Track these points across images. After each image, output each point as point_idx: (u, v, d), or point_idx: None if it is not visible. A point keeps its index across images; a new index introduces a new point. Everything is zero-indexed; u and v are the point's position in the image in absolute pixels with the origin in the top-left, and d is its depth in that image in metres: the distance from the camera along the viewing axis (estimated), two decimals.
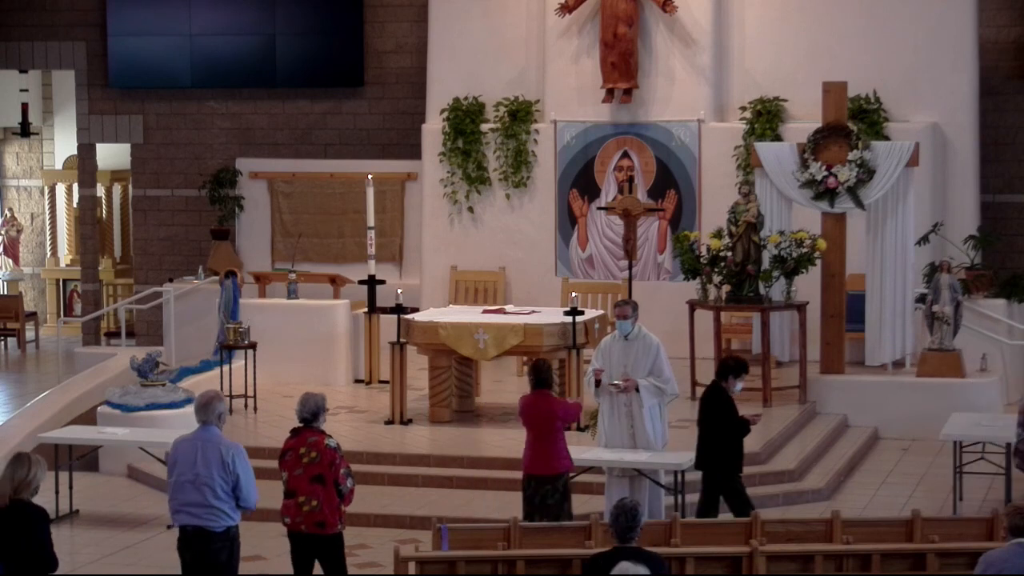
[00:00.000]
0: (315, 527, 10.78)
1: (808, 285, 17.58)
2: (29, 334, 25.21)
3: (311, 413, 10.89)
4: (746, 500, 12.86)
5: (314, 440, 10.80)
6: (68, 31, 23.54)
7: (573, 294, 16.69)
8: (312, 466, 10.75)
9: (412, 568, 10.68)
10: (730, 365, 13.03)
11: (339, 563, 10.92)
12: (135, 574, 12.65)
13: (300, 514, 10.79)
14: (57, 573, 9.42)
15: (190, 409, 15.89)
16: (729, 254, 17.11)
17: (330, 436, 10.92)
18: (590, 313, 16.61)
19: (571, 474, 12.56)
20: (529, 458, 12.42)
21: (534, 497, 12.29)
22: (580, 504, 13.65)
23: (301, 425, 10.93)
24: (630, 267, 18.36)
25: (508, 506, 13.58)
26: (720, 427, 12.86)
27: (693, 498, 13.79)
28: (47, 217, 26.38)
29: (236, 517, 10.30)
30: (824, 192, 17.50)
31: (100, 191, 25.09)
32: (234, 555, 10.33)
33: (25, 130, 25.72)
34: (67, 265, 26.09)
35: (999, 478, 14.44)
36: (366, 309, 18.64)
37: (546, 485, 12.26)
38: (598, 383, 13.06)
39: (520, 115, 20.45)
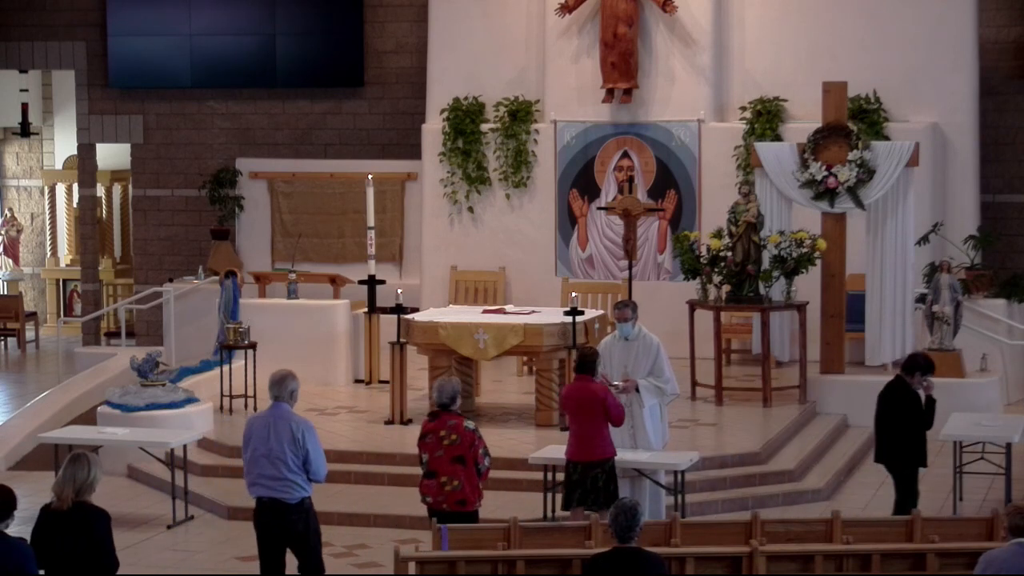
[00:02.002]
0: (456, 505, 11.44)
1: (808, 285, 17.57)
2: (29, 334, 25.21)
3: (449, 398, 11.53)
4: (916, 496, 12.99)
5: (454, 423, 11.44)
6: (68, 31, 23.54)
7: (573, 294, 16.68)
8: (453, 448, 11.39)
9: (412, 568, 10.67)
10: (921, 363, 13.08)
11: None
12: (135, 574, 12.64)
13: (442, 493, 11.44)
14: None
15: (190, 409, 16.11)
16: (729, 254, 17.11)
17: (468, 419, 11.60)
18: (590, 313, 16.61)
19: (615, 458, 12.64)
20: (574, 445, 12.54)
21: (583, 481, 12.43)
22: None
23: (438, 409, 11.53)
24: (630, 267, 18.36)
25: (508, 506, 13.58)
26: (906, 421, 12.94)
27: (693, 498, 13.81)
28: (47, 217, 26.38)
29: (309, 489, 10.82)
30: (824, 192, 17.50)
31: (100, 191, 25.09)
32: (310, 524, 10.83)
33: (25, 130, 25.72)
34: (67, 265, 26.09)
35: (999, 478, 14.45)
36: (366, 309, 18.64)
37: (595, 469, 12.42)
38: None
39: (520, 115, 20.45)
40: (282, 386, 10.88)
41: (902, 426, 12.93)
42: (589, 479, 12.42)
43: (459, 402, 11.62)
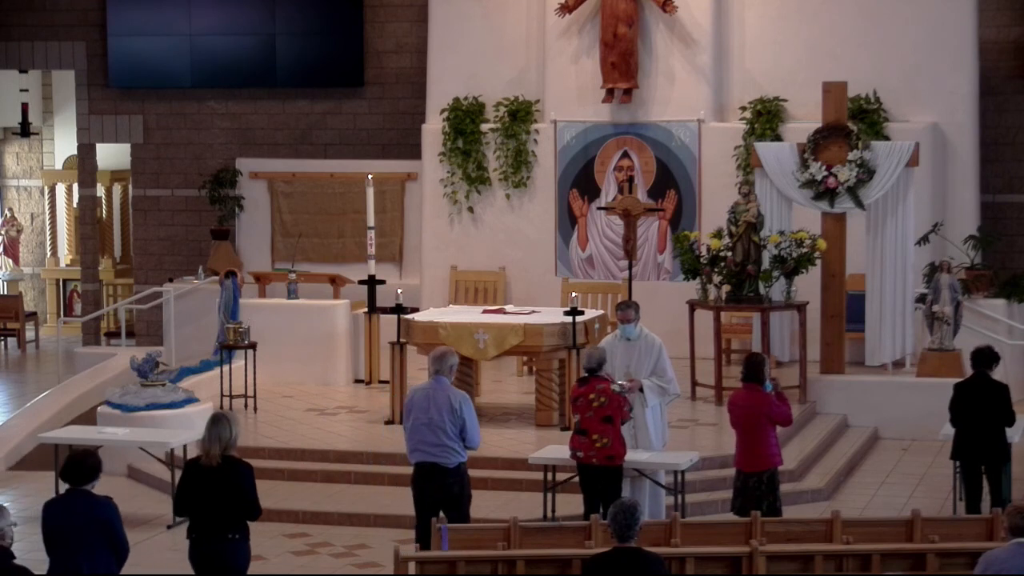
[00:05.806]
0: (606, 460, 12.37)
1: (808, 285, 17.58)
2: (29, 334, 25.21)
3: (597, 363, 12.52)
4: (1010, 489, 13.28)
5: (602, 387, 12.40)
6: (68, 31, 23.54)
7: (573, 294, 16.69)
8: (602, 409, 12.35)
9: (412, 568, 10.67)
10: (996, 355, 13.53)
11: (619, 489, 12.38)
12: (135, 574, 12.62)
13: (593, 449, 12.38)
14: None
15: (190, 409, 16.10)
16: (729, 254, 17.11)
17: (614, 382, 12.52)
18: (590, 313, 16.60)
19: (779, 469, 12.66)
20: (739, 454, 12.58)
21: (744, 490, 12.49)
22: (580, 504, 13.65)
23: (586, 375, 12.49)
24: (630, 267, 18.36)
25: (508, 506, 13.59)
26: (999, 415, 13.31)
27: (693, 498, 13.80)
28: (47, 217, 26.38)
29: (464, 455, 11.83)
30: (824, 192, 17.51)
31: (100, 191, 25.09)
32: (465, 488, 11.84)
33: (25, 130, 25.72)
34: (67, 265, 26.09)
35: None
36: (366, 309, 18.64)
37: (752, 478, 12.44)
38: None
39: (520, 115, 20.45)
40: (443, 361, 11.89)
41: (996, 420, 13.27)
42: (749, 488, 12.43)
43: (605, 366, 12.52)
